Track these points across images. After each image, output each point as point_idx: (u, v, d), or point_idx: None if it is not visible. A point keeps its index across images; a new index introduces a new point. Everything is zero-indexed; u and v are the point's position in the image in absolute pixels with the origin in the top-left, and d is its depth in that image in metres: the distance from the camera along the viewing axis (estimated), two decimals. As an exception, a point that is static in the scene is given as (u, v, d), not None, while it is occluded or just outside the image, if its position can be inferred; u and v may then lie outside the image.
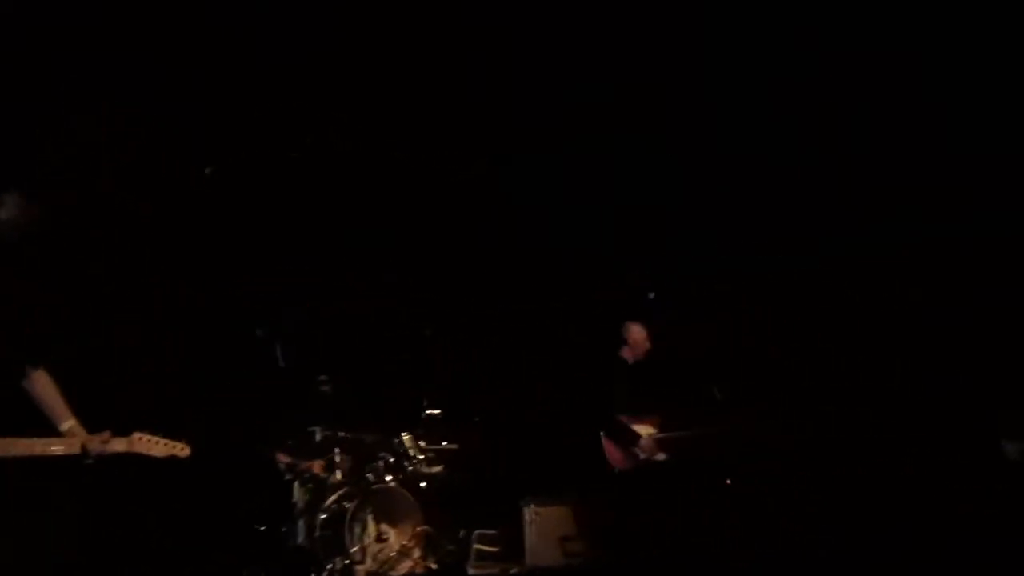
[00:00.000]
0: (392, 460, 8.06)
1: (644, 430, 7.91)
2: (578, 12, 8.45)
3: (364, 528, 7.66)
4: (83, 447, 5.50)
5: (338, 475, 7.93)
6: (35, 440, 5.43)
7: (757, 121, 8.56)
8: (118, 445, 5.62)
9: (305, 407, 8.31)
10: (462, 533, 8.23)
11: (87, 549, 6.35)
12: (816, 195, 8.50)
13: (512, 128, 9.02)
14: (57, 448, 5.49)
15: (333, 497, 7.78)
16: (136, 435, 5.70)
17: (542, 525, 8.37)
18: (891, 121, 8.15)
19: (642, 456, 7.82)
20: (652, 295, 8.58)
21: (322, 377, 8.39)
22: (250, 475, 7.97)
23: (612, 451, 7.90)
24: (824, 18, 7.99)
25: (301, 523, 7.73)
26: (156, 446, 5.75)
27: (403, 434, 8.20)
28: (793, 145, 8.49)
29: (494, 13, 8.39)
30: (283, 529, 7.71)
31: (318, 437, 8.18)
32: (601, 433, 7.93)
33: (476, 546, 8.31)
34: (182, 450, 5.84)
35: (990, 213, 7.86)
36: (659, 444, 7.85)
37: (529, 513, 8.38)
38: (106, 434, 5.59)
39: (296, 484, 7.85)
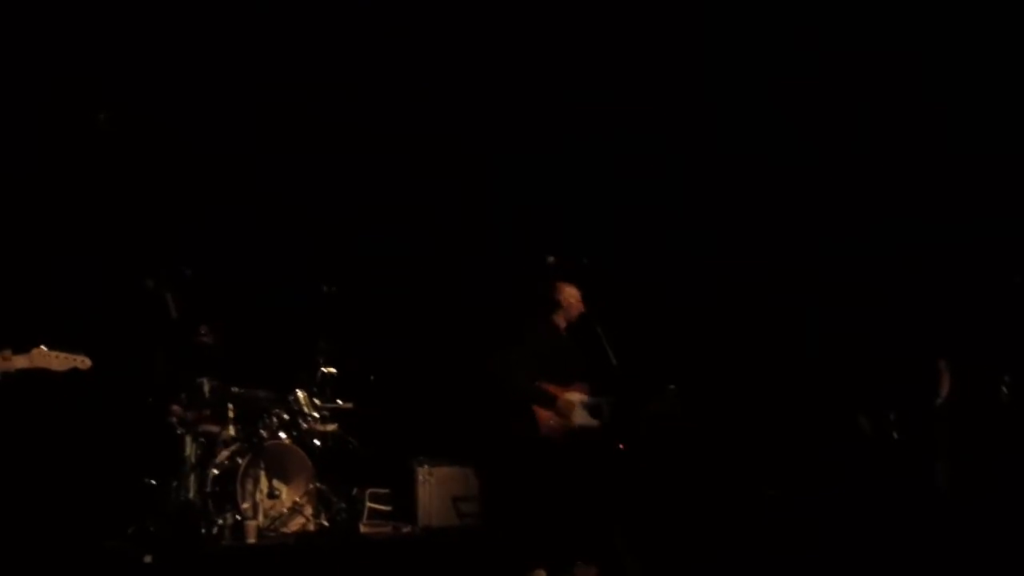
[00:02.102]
0: (286, 417, 8.00)
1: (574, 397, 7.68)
2: (578, 11, 8.52)
3: (256, 484, 7.60)
4: None
5: (231, 430, 7.84)
6: None
7: (757, 121, 8.65)
8: (20, 361, 5.61)
9: (195, 360, 8.19)
10: (355, 491, 8.19)
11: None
12: (816, 195, 8.58)
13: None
14: None
15: (225, 452, 7.71)
16: (36, 350, 5.67)
17: (434, 485, 8.45)
18: (891, 122, 8.28)
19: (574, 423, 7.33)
20: (551, 259, 8.53)
21: (203, 329, 8.26)
22: (140, 428, 7.83)
23: (544, 418, 7.54)
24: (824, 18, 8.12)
25: (192, 478, 7.63)
26: (57, 360, 5.74)
27: (297, 391, 8.14)
28: (793, 145, 8.58)
29: (495, 12, 8.41)
30: (173, 484, 7.59)
31: (205, 389, 8.05)
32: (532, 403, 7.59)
33: (369, 504, 8.32)
34: (83, 362, 5.87)
35: (989, 214, 8.02)
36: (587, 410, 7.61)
37: (422, 473, 8.44)
38: (7, 351, 5.57)
39: (188, 438, 7.73)
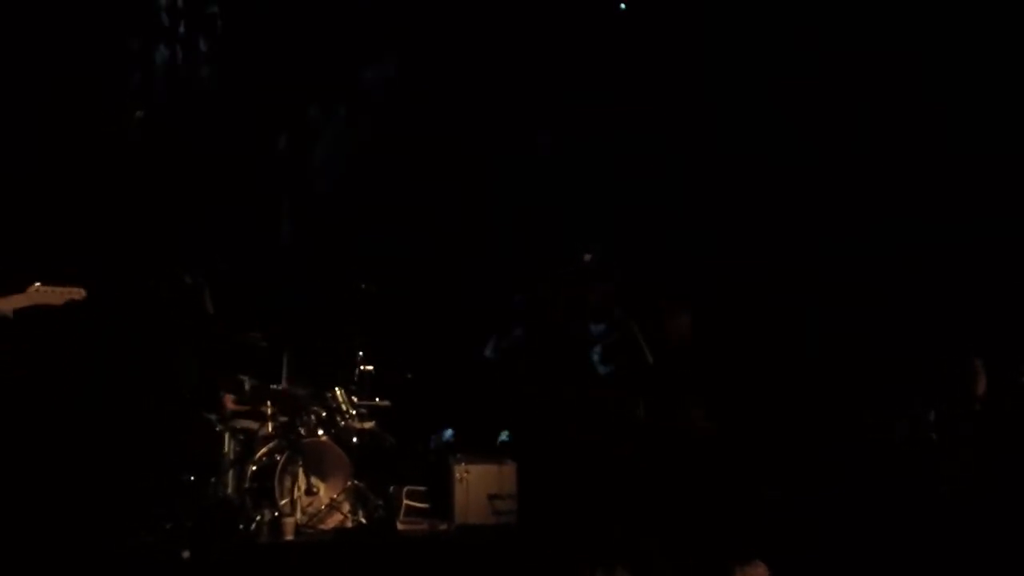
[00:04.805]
0: (324, 414, 8.03)
1: None
2: (578, 11, 8.50)
3: (294, 481, 7.63)
4: None
5: (269, 427, 7.88)
6: None
7: (757, 121, 8.59)
8: (17, 301, 5.63)
9: (235, 357, 8.24)
10: (392, 489, 8.21)
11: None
12: (816, 195, 8.50)
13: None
14: None
15: (264, 449, 7.74)
16: (32, 287, 5.69)
17: (471, 483, 8.43)
18: (891, 122, 8.20)
19: None
20: (587, 256, 8.52)
21: (256, 333, 8.33)
22: (179, 425, 7.88)
23: None
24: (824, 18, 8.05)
25: (230, 474, 7.68)
26: (54, 295, 5.76)
27: (336, 389, 8.16)
28: (793, 145, 8.52)
29: (494, 12, 8.41)
30: (212, 480, 7.63)
31: (247, 387, 8.11)
32: None
33: (406, 502, 8.33)
34: (78, 293, 5.88)
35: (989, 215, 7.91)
36: None
37: (459, 471, 8.42)
38: None
39: (226, 435, 7.77)
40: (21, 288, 5.79)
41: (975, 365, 7.44)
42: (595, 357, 8.30)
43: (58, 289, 5.82)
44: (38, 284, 5.74)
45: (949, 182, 8.04)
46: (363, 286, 8.67)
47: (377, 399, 8.37)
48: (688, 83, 8.92)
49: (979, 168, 7.88)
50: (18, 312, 5.63)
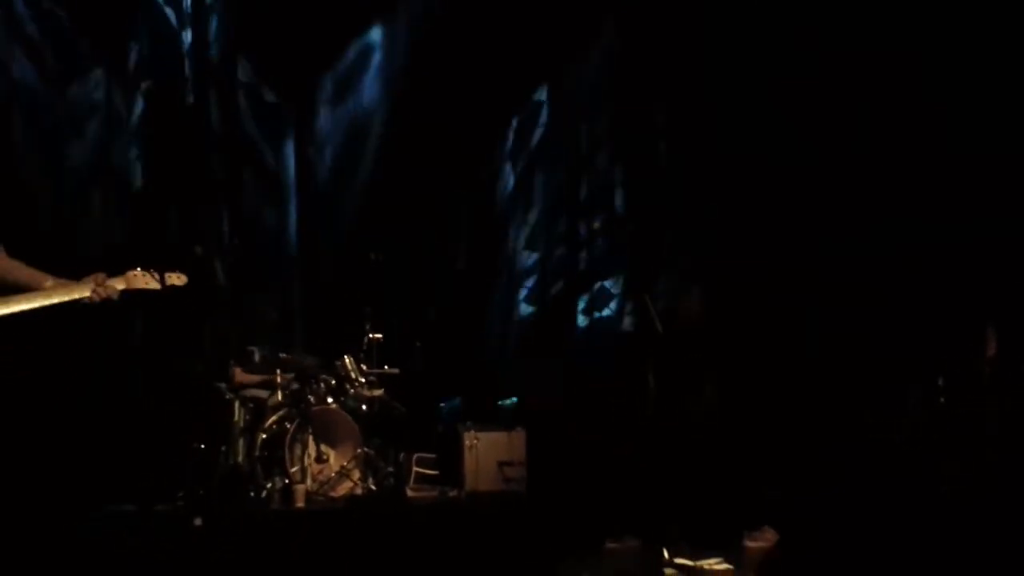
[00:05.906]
0: (333, 383, 8.04)
1: None
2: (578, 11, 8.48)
3: (304, 449, 7.66)
4: (94, 288, 5.23)
5: (279, 396, 7.90)
6: (49, 290, 5.21)
7: (757, 121, 8.55)
8: (117, 283, 5.43)
9: (245, 327, 8.26)
10: (402, 456, 8.24)
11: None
12: (816, 195, 8.44)
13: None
14: (71, 293, 5.23)
15: (273, 417, 7.76)
16: (131, 272, 5.52)
17: (481, 450, 8.46)
18: (891, 122, 8.13)
19: None
20: None
21: (267, 309, 8.36)
22: (189, 394, 7.91)
23: None
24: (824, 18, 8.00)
25: (241, 443, 7.70)
26: (153, 280, 5.59)
27: (344, 357, 8.17)
28: (793, 145, 8.46)
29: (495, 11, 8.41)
30: (222, 448, 7.66)
31: (256, 357, 8.13)
32: None
33: (416, 469, 8.37)
34: (179, 278, 5.70)
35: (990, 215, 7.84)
36: None
37: (469, 438, 8.45)
38: (101, 276, 5.35)
39: (236, 403, 7.80)
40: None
41: (986, 330, 7.42)
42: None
43: (158, 274, 5.60)
44: (138, 269, 5.58)
45: (949, 182, 7.97)
46: (372, 255, 8.66)
47: (385, 367, 8.37)
48: (688, 83, 8.90)
49: (979, 168, 7.80)
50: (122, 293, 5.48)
